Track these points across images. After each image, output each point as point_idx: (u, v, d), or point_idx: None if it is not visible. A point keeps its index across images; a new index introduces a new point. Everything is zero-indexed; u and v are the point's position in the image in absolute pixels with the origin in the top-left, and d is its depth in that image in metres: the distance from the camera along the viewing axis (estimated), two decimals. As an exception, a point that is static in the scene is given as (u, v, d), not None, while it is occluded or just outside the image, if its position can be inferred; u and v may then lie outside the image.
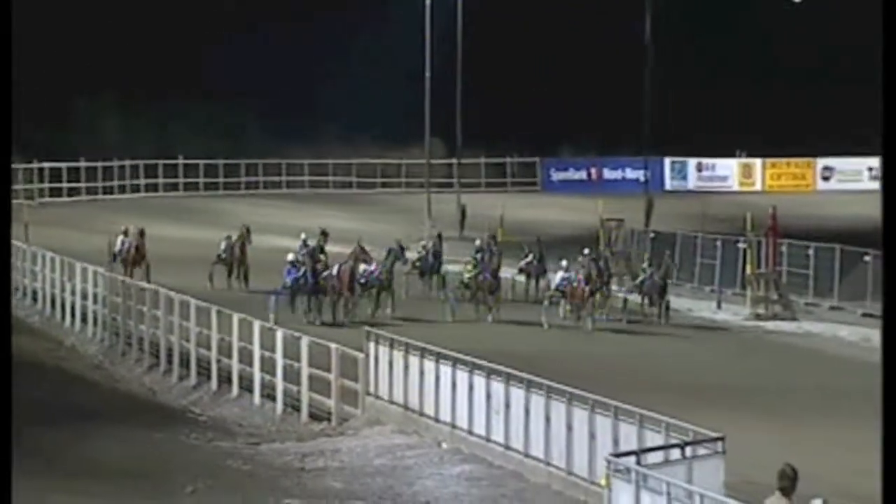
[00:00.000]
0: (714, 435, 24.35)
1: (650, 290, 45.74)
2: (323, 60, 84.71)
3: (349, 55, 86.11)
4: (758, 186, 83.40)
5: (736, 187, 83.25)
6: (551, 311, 43.85)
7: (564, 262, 44.93)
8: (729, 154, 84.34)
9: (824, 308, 46.81)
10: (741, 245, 48.44)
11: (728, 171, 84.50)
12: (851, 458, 28.55)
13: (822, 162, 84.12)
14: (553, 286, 45.03)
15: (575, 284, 43.89)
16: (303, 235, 46.73)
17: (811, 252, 48.42)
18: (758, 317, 45.43)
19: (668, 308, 45.61)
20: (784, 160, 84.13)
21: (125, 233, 50.40)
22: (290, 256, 44.41)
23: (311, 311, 43.37)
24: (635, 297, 46.16)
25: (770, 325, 44.73)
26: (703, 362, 38.87)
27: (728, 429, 25.00)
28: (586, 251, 46.47)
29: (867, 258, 46.42)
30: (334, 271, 43.72)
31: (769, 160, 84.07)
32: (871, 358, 39.50)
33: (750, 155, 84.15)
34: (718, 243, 51.00)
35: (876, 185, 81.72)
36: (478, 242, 49.20)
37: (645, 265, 47.01)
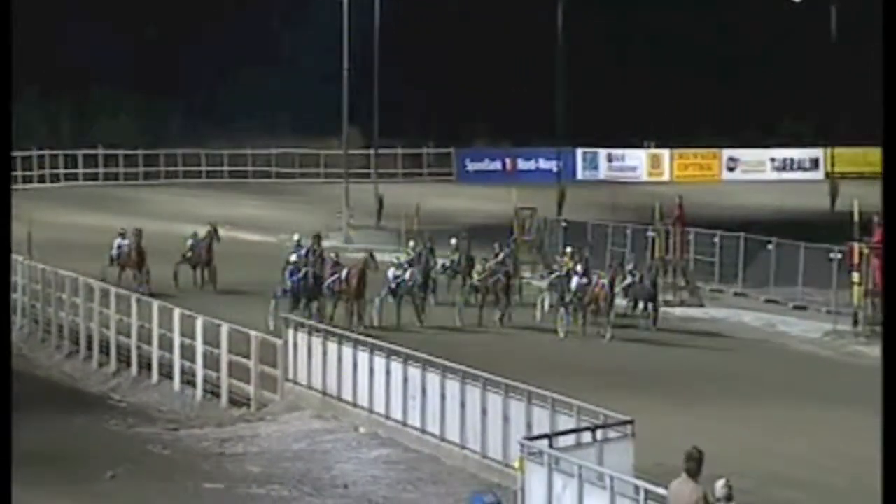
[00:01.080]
0: (624, 418, 24.43)
1: (639, 294, 42.52)
2: (244, 52, 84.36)
3: (269, 47, 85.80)
4: (666, 177, 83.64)
5: (645, 177, 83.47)
6: (555, 318, 40.78)
7: (580, 267, 41.42)
8: (638, 145, 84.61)
9: (729, 294, 47.10)
10: (650, 234, 48.59)
11: (637, 161, 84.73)
12: (756, 439, 28.77)
13: (727, 153, 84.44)
14: (572, 290, 40.89)
15: (597, 290, 40.32)
16: (296, 236, 44.14)
17: (717, 240, 48.65)
18: (666, 303, 45.58)
19: (657, 312, 42.20)
20: (691, 151, 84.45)
21: (122, 234, 47.30)
22: (293, 258, 41.60)
23: (311, 315, 39.76)
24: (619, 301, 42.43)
25: (678, 310, 44.87)
26: (611, 347, 38.97)
27: (637, 412, 25.09)
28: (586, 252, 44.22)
29: (770, 246, 46.94)
30: (343, 275, 40.91)
31: (677, 151, 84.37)
32: (774, 342, 39.74)
33: (658, 146, 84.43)
34: (628, 232, 51.13)
35: (778, 175, 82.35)
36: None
37: (630, 267, 43.41)
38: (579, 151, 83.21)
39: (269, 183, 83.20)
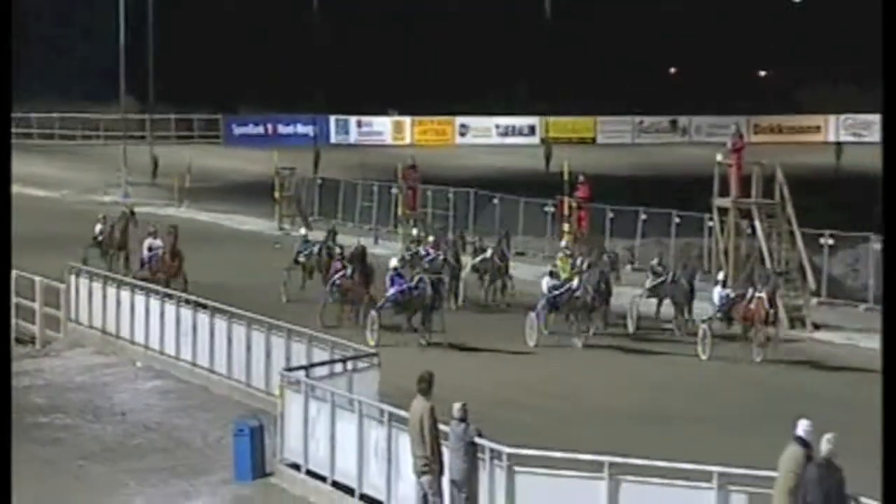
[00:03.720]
0: (370, 351, 24.62)
1: (673, 293, 32.95)
2: (27, 21, 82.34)
3: (50, 17, 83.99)
4: (408, 141, 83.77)
5: (390, 141, 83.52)
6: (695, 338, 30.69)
7: (721, 275, 32.60)
8: (383, 113, 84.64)
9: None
10: (394, 191, 48.83)
11: (383, 127, 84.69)
12: (497, 372, 29.01)
13: (459, 120, 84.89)
14: (716, 305, 31.25)
15: (753, 306, 30.13)
16: (303, 230, 39.25)
17: (451, 196, 49.14)
18: (409, 249, 45.85)
19: (690, 314, 32.50)
20: (428, 118, 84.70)
21: (102, 220, 40.15)
22: (394, 262, 33.04)
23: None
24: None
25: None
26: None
27: (384, 345, 25.30)
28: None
29: (495, 201, 47.74)
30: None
31: (417, 118, 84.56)
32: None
33: (401, 114, 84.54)
34: (375, 189, 51.39)
35: (502, 139, 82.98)
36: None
37: (655, 262, 34.82)
38: (332, 118, 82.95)
39: (53, 144, 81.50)
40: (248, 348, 27.23)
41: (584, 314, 31.48)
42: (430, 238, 38.51)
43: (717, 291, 31.28)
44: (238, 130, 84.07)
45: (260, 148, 73.77)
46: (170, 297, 30.44)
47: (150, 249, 36.38)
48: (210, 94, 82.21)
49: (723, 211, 36.32)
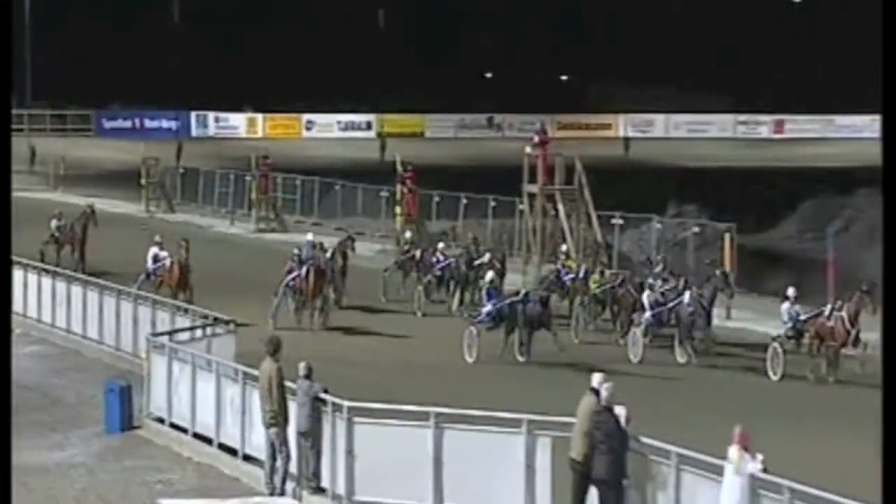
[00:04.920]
0: (228, 318, 24.43)
1: (692, 311, 26.52)
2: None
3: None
4: (260, 134, 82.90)
5: (244, 135, 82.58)
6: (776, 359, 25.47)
7: (791, 291, 26.31)
8: (239, 110, 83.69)
9: (308, 223, 47.26)
10: (248, 178, 48.55)
11: (238, 122, 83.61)
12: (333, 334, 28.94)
13: (306, 117, 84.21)
14: (786, 325, 25.77)
15: (831, 325, 24.95)
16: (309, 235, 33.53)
17: (298, 183, 48.97)
18: (260, 230, 45.67)
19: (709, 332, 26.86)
20: (278, 115, 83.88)
21: (58, 216, 36.75)
22: (490, 276, 28.13)
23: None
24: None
25: (268, 236, 44.87)
26: (221, 259, 38.11)
27: (237, 313, 25.05)
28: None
29: (337, 187, 47.58)
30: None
31: (268, 115, 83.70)
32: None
33: (255, 111, 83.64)
34: (231, 177, 51.07)
35: (343, 133, 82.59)
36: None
37: (658, 269, 28.80)
38: (193, 114, 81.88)
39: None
40: (118, 316, 26.98)
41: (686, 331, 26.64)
42: (440, 244, 34.20)
43: (786, 308, 25.85)
44: (108, 124, 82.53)
45: (128, 140, 72.57)
46: (46, 271, 29.91)
47: (155, 260, 31.02)
48: (84, 91, 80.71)
49: (531, 196, 36.71)
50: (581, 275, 30.31)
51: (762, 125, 75.30)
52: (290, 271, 29.76)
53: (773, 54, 76.43)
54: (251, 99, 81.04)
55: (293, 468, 18.41)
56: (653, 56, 78.15)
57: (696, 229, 36.90)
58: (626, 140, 74.66)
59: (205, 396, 20.65)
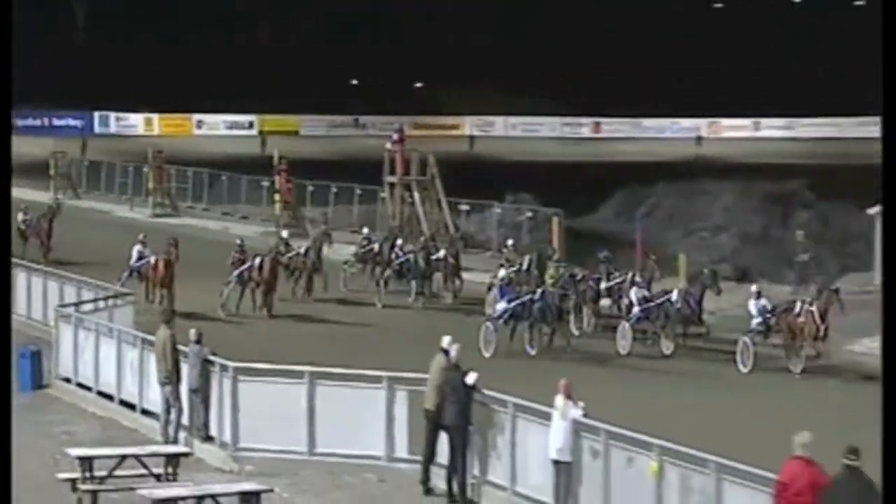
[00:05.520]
0: (127, 291, 24.11)
1: (679, 308, 24.28)
2: None
3: None
4: (156, 132, 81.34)
5: (142, 132, 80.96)
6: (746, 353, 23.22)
7: (755, 287, 24.87)
8: (136, 110, 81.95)
9: (199, 209, 46.69)
10: (145, 170, 47.77)
11: (137, 121, 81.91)
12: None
13: (196, 116, 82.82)
14: (755, 320, 23.48)
15: (802, 320, 22.73)
16: (284, 232, 31.61)
17: (189, 174, 48.20)
18: (157, 215, 44.99)
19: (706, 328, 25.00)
20: (172, 115, 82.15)
21: (25, 210, 32.74)
22: (502, 274, 26.23)
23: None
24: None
25: (163, 220, 44.11)
26: (123, 240, 37.12)
27: (137, 286, 24.68)
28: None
29: (223, 177, 46.86)
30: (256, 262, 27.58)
31: (163, 115, 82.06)
32: (227, 240, 38.66)
33: (151, 111, 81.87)
34: (130, 168, 50.16)
35: (229, 130, 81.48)
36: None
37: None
38: (96, 114, 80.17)
39: None
40: (29, 290, 26.37)
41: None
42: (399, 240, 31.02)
43: (753, 303, 23.62)
44: (21, 122, 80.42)
45: (38, 136, 70.82)
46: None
47: (140, 258, 27.90)
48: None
49: (391, 185, 37.09)
50: (525, 267, 27.46)
51: (583, 126, 76.20)
52: (234, 262, 27.46)
53: (595, 62, 77.30)
54: (148, 101, 79.57)
55: (185, 420, 18.20)
56: (494, 65, 78.58)
57: (529, 214, 37.24)
58: (472, 138, 74.94)
59: (107, 359, 20.35)
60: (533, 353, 23.97)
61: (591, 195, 42.92)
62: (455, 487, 16.15)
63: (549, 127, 76.28)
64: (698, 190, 41.87)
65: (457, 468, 16.13)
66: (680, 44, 77.95)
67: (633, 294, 24.87)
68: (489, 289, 26.67)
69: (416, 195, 36.34)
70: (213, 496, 14.09)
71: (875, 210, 31.69)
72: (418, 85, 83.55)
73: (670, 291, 24.37)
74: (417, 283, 28.37)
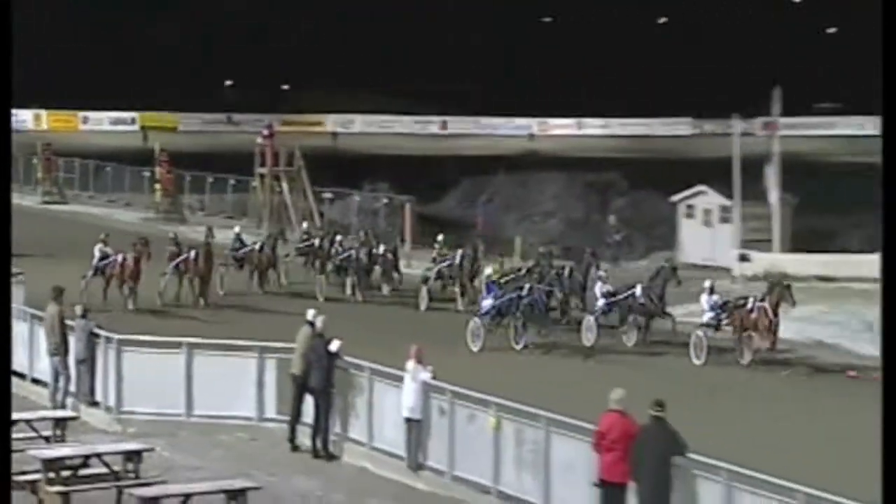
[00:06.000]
0: (18, 271, 23.18)
1: (643, 302, 22.44)
2: None
3: None
4: (45, 127, 78.78)
5: (32, 128, 78.23)
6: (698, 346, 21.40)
7: (708, 282, 22.39)
8: (27, 106, 79.09)
9: (84, 197, 45.44)
10: (35, 161, 46.33)
11: (26, 117, 79.03)
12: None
13: (81, 114, 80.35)
14: (707, 314, 21.66)
15: (754, 315, 21.09)
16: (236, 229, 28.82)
17: (76, 164, 46.92)
18: (46, 203, 43.72)
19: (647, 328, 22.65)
20: (60, 111, 79.50)
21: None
22: (489, 271, 23.78)
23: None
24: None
25: (53, 207, 42.84)
26: (16, 224, 35.92)
27: (26, 265, 23.71)
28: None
29: (108, 168, 45.45)
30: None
31: (51, 111, 79.39)
32: (110, 226, 37.18)
33: (40, 107, 79.06)
34: (21, 160, 48.30)
35: (114, 126, 79.44)
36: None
37: (601, 273, 23.79)
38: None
39: None
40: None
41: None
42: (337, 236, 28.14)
43: (705, 298, 21.80)
44: (-80, 118, 77.33)
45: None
46: None
47: (104, 257, 24.95)
48: None
49: (262, 176, 36.81)
50: (458, 261, 25.27)
51: (432, 124, 76.52)
52: (172, 256, 25.35)
53: (443, 68, 77.69)
54: (38, 97, 77.02)
55: (73, 388, 17.76)
56: (354, 70, 78.31)
57: (385, 201, 37.24)
58: (334, 134, 74.45)
59: None
60: (519, 347, 21.56)
61: (438, 185, 43.04)
62: (319, 444, 16.15)
63: (401, 125, 76.50)
64: (531, 180, 42.36)
65: (320, 427, 16.12)
66: (515, 52, 78.96)
67: (598, 289, 22.94)
68: (424, 281, 25.18)
69: (285, 185, 36.30)
70: (98, 455, 13.76)
71: (677, 198, 33.02)
72: (285, 87, 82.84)
73: (634, 286, 22.15)
74: (359, 278, 26.00)
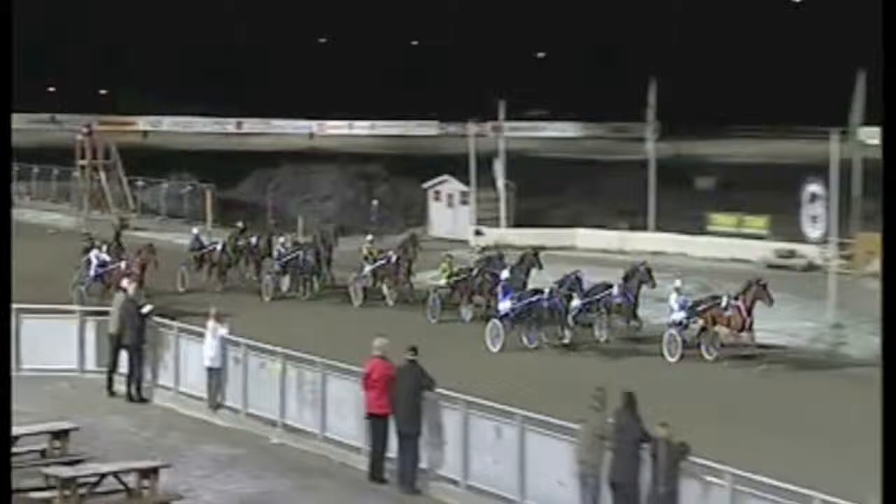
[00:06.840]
0: None
1: (619, 302, 19.06)
2: None
3: None
4: None
5: None
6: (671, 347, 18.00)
7: (678, 282, 18.94)
8: None
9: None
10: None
11: None
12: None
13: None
14: (674, 316, 18.34)
15: (729, 313, 17.81)
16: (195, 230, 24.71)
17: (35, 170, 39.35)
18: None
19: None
20: None
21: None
22: (506, 274, 19.86)
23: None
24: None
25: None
26: None
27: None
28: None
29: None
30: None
31: None
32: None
33: None
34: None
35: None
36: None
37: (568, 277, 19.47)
38: None
39: None
40: None
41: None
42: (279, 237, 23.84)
43: (675, 298, 18.49)
44: None
45: None
46: None
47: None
48: None
49: (83, 167, 35.31)
50: (394, 260, 21.67)
51: (228, 124, 75.02)
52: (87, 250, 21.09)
53: (239, 75, 75.86)
54: None
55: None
56: (165, 76, 75.14)
57: (189, 188, 36.15)
58: (145, 133, 71.55)
59: None
60: (533, 346, 18.40)
61: (234, 174, 42.04)
62: (133, 391, 15.67)
63: (202, 124, 74.63)
64: (311, 170, 42.13)
65: (134, 376, 15.73)
66: (299, 66, 78.18)
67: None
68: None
69: (102, 174, 35.52)
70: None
71: (427, 185, 33.98)
72: (103, 92, 78.82)
73: (611, 286, 19.10)
74: (304, 278, 22.02)
